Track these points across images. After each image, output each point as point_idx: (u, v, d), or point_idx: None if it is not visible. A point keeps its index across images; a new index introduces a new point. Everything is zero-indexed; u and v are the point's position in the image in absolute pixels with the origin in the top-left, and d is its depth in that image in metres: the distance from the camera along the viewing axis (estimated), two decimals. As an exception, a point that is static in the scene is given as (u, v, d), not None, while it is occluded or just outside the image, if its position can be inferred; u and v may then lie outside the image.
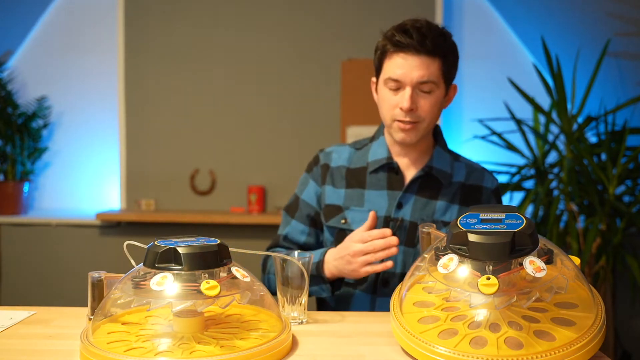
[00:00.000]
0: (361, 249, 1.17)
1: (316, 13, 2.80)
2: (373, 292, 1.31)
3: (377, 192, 1.33)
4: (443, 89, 1.27)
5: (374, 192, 1.33)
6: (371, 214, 1.21)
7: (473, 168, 1.37)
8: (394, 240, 1.17)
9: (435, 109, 1.26)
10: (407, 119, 1.24)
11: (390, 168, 1.34)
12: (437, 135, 1.37)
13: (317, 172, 1.39)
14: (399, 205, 1.31)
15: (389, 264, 1.18)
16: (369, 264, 1.18)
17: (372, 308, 1.32)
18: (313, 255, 1.08)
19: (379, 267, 1.18)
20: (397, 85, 1.24)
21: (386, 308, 1.28)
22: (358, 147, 1.40)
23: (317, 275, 1.25)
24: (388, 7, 2.78)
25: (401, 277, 1.30)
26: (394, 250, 1.17)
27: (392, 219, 1.30)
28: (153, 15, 2.83)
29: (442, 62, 1.24)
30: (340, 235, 1.33)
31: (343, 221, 1.33)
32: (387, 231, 1.18)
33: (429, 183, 1.32)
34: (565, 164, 2.34)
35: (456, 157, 1.38)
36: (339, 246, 1.23)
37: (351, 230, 1.31)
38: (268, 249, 1.41)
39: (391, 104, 1.25)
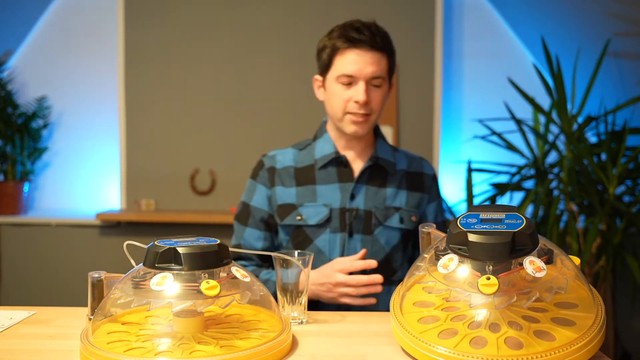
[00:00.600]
0: (344, 280, 1.20)
1: (316, 13, 2.80)
2: None
3: (328, 186, 1.37)
4: (388, 84, 1.36)
5: (325, 186, 1.37)
6: (362, 252, 1.25)
7: (412, 157, 1.47)
8: (378, 278, 1.19)
9: (383, 102, 1.35)
10: (362, 111, 1.30)
11: (338, 162, 1.39)
12: (375, 129, 1.45)
13: (264, 175, 1.41)
14: (352, 197, 1.36)
15: (372, 300, 1.21)
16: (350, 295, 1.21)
17: (338, 306, 1.34)
18: (313, 255, 1.08)
19: (359, 301, 1.21)
20: (350, 80, 1.30)
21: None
22: (301, 148, 1.44)
23: None
24: (388, 8, 2.78)
25: None
26: (378, 288, 1.20)
27: (348, 210, 1.35)
28: (153, 15, 2.83)
29: (389, 59, 1.33)
30: (297, 232, 1.36)
31: (298, 218, 1.35)
32: (373, 263, 1.21)
33: (376, 172, 1.39)
34: (565, 164, 2.34)
35: (395, 148, 1.46)
36: (319, 271, 1.24)
37: (308, 226, 1.35)
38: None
39: (344, 98, 1.31)
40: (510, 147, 2.57)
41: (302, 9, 2.81)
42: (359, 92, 1.28)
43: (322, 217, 1.34)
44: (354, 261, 1.22)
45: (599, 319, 0.82)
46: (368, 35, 1.29)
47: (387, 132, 2.77)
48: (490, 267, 0.80)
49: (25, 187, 2.88)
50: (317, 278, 1.24)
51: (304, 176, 1.38)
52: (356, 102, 1.29)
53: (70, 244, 2.82)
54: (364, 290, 1.20)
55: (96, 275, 0.90)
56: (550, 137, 2.61)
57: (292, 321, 1.03)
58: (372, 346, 0.91)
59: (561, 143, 2.60)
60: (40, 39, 2.99)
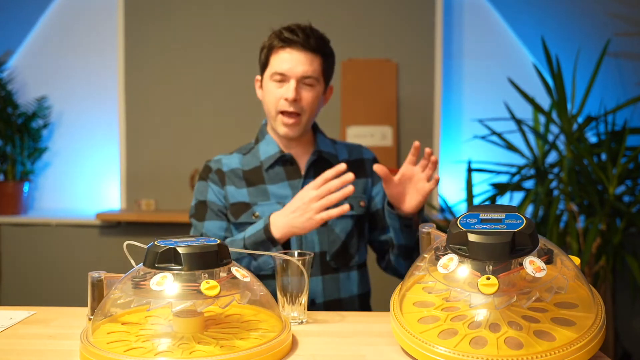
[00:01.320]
0: (317, 194, 1.22)
1: (316, 13, 2.80)
2: None
3: (278, 185, 1.40)
4: (322, 86, 1.39)
5: (275, 185, 1.40)
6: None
7: (351, 146, 1.52)
8: (350, 176, 1.22)
9: (316, 103, 1.38)
10: (291, 109, 1.34)
11: (284, 161, 1.42)
12: (314, 127, 1.49)
13: (214, 177, 1.43)
14: None
15: (346, 207, 1.22)
16: (325, 209, 1.22)
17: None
18: (313, 254, 1.07)
19: (334, 212, 1.21)
20: (283, 79, 1.34)
21: (314, 288, 1.35)
22: (245, 152, 1.47)
23: (265, 239, 1.26)
24: (388, 7, 2.79)
25: (321, 255, 1.37)
26: (350, 188, 1.21)
27: None
28: (153, 15, 2.84)
29: (323, 60, 1.38)
30: None
31: (254, 216, 1.37)
32: (342, 166, 1.23)
33: (321, 166, 1.42)
34: (565, 164, 2.35)
35: (334, 141, 1.51)
36: (290, 202, 1.27)
37: None
38: None
39: (276, 96, 1.35)
40: (510, 147, 2.58)
41: (301, 10, 2.81)
42: (289, 89, 1.33)
43: None
44: (324, 173, 1.23)
45: (599, 319, 0.82)
46: (301, 37, 1.33)
47: (387, 132, 2.78)
48: (490, 267, 0.80)
49: (25, 187, 2.89)
50: (287, 208, 1.25)
51: (252, 177, 1.41)
52: (286, 99, 1.33)
53: (70, 244, 2.83)
54: (336, 196, 1.21)
55: (96, 275, 0.90)
56: (550, 137, 2.61)
57: (292, 321, 1.03)
58: (372, 346, 0.91)
59: (561, 143, 2.60)
60: (40, 39, 2.99)
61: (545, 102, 2.71)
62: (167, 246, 0.84)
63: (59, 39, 2.99)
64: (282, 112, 1.35)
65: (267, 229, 1.26)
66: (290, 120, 1.35)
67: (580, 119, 2.60)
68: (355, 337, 0.95)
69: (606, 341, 2.33)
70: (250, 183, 1.41)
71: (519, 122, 2.54)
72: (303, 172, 1.41)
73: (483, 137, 2.65)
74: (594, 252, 2.32)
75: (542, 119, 2.65)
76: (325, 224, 1.37)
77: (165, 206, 2.87)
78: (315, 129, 1.48)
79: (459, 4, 2.90)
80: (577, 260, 0.88)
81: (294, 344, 0.91)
